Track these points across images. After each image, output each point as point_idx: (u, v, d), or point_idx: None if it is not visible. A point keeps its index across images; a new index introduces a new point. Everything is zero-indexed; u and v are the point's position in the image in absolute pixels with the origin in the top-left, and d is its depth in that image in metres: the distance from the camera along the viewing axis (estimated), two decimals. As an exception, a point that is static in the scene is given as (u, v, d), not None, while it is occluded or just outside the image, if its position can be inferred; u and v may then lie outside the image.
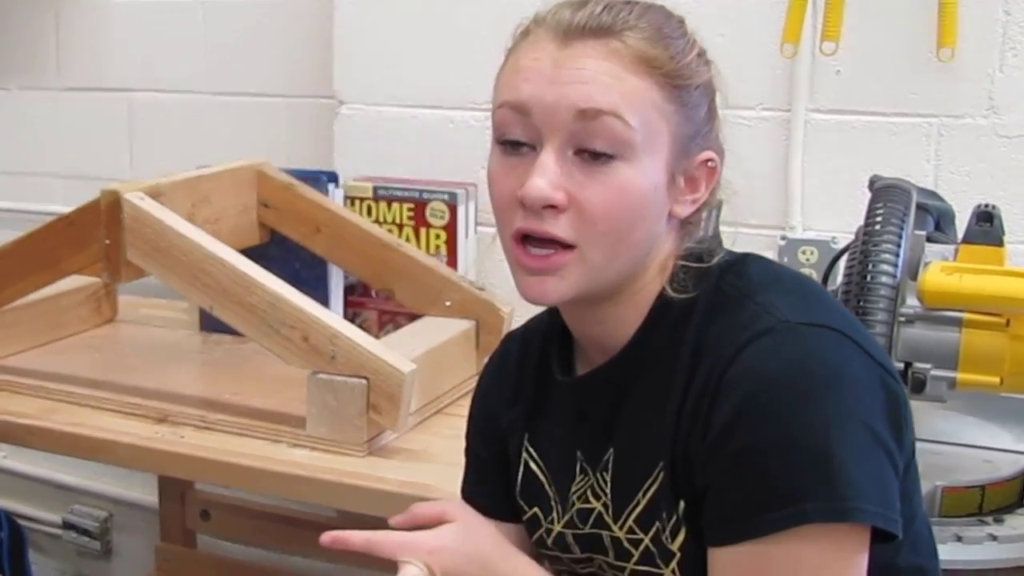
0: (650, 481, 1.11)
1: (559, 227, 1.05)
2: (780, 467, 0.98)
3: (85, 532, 3.00)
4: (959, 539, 1.44)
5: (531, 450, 1.25)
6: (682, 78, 1.07)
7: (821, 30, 2.01)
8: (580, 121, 1.04)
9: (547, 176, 1.04)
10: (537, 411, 1.24)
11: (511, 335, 1.34)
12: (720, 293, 1.10)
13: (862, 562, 1.01)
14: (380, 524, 2.16)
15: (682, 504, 1.08)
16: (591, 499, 1.17)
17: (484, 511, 1.31)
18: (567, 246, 1.06)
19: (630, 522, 1.13)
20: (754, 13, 2.11)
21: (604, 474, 1.16)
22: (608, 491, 1.16)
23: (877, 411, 1.01)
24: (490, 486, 1.32)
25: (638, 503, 1.12)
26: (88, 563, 3.04)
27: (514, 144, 1.08)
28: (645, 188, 1.06)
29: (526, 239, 1.07)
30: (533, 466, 1.24)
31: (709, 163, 1.12)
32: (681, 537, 1.09)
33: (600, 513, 1.16)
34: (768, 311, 1.05)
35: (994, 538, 1.45)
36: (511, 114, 1.07)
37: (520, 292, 1.10)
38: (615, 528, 1.15)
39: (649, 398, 1.11)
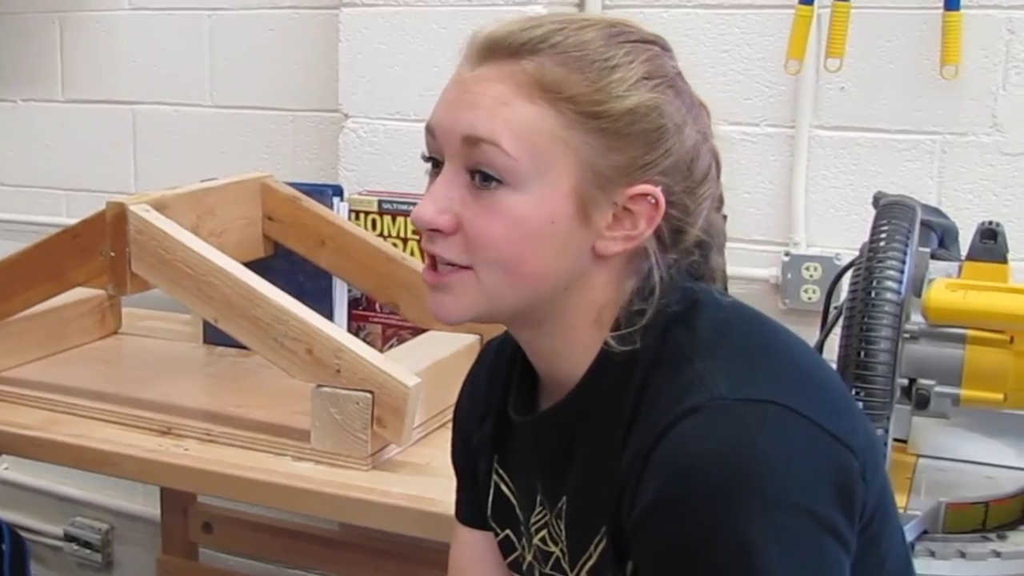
0: (599, 537, 1.08)
1: (446, 250, 1.04)
2: (700, 559, 0.94)
3: (87, 544, 3.00)
4: (963, 555, 1.44)
5: (501, 472, 1.23)
6: (594, 104, 1.02)
7: (825, 47, 2.02)
8: (466, 146, 1.03)
9: (434, 200, 1.04)
10: (504, 434, 1.22)
11: (489, 345, 1.32)
12: (664, 348, 1.04)
13: None
14: (384, 537, 2.17)
15: (630, 566, 1.04)
16: (550, 543, 1.16)
17: (469, 523, 1.32)
18: (463, 266, 1.05)
19: (583, 573, 1.11)
20: (758, 30, 2.12)
21: (559, 521, 1.14)
22: (563, 539, 1.14)
23: (820, 489, 0.95)
24: (475, 501, 1.31)
25: (590, 556, 1.10)
26: (89, 575, 3.04)
27: (433, 165, 1.08)
28: (535, 218, 1.02)
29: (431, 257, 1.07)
30: (504, 488, 1.23)
31: (649, 198, 1.04)
32: None
33: (558, 558, 1.15)
34: (704, 383, 0.98)
35: (997, 554, 1.45)
36: (426, 136, 1.07)
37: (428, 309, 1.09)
38: (571, 575, 1.14)
39: (595, 452, 1.08)
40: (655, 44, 1.07)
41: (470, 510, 1.32)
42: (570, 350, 1.09)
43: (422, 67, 2.28)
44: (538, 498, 1.17)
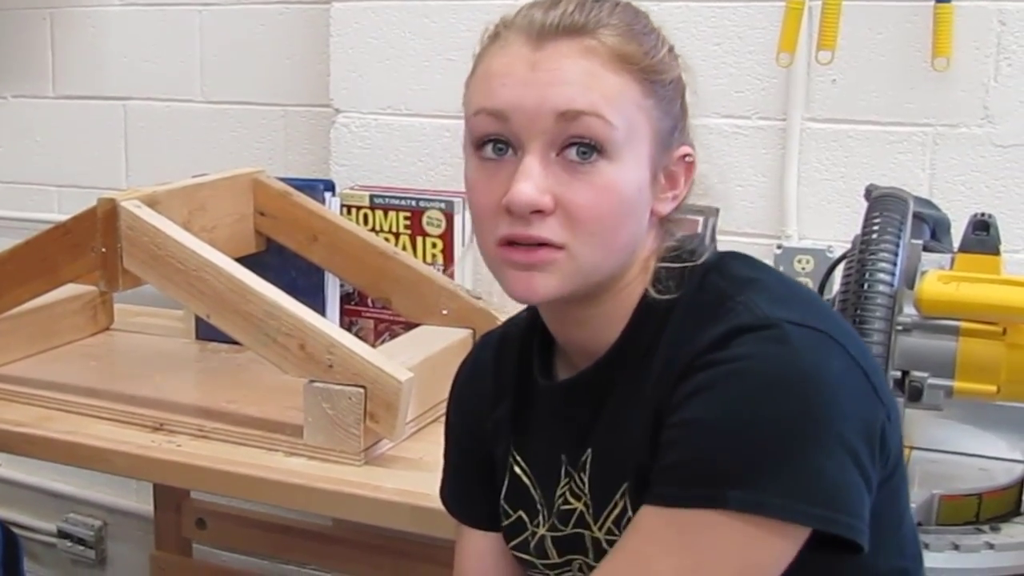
0: (625, 484, 1.10)
1: (547, 230, 1.04)
2: (720, 447, 0.97)
3: (80, 541, 3.00)
4: (956, 547, 1.44)
5: (517, 456, 1.24)
6: (657, 73, 1.07)
7: (817, 39, 2.02)
8: (561, 123, 1.03)
9: (533, 180, 1.03)
10: (520, 416, 1.23)
11: (486, 339, 1.33)
12: (702, 293, 1.09)
13: (777, 562, 0.99)
14: (377, 532, 2.17)
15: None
16: (571, 500, 1.17)
17: (461, 518, 1.33)
18: (557, 246, 1.05)
19: (608, 523, 1.12)
20: (750, 22, 2.12)
21: (582, 474, 1.15)
22: (587, 491, 1.15)
23: (850, 416, 0.99)
24: (467, 494, 1.32)
25: (616, 504, 1.11)
26: (83, 572, 3.04)
27: (494, 150, 1.06)
28: (630, 186, 1.05)
29: (512, 243, 1.06)
30: (519, 471, 1.24)
31: (687, 158, 1.12)
32: None
33: (581, 513, 1.16)
34: (750, 308, 1.03)
35: (991, 546, 1.45)
36: (489, 120, 1.06)
37: (507, 290, 1.08)
38: (595, 528, 1.14)
39: (627, 399, 1.10)
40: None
41: (468, 506, 1.32)
42: (615, 311, 1.12)
43: (413, 61, 2.28)
44: (562, 470, 1.18)
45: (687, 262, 1.11)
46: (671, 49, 1.11)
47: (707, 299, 1.08)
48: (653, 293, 1.10)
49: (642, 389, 1.08)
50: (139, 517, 2.86)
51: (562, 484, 1.18)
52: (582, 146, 1.03)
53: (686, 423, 1.00)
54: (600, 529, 1.14)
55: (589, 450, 1.14)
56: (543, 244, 1.04)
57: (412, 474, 1.66)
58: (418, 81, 2.28)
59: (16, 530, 2.73)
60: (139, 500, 2.84)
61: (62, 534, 3.02)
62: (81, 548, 3.00)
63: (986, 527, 1.50)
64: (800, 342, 1.00)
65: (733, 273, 1.10)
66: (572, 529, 1.17)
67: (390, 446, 1.72)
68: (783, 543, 0.98)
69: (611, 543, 1.12)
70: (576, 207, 1.04)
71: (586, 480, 1.15)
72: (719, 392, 0.99)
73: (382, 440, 1.70)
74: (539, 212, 1.03)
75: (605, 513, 1.13)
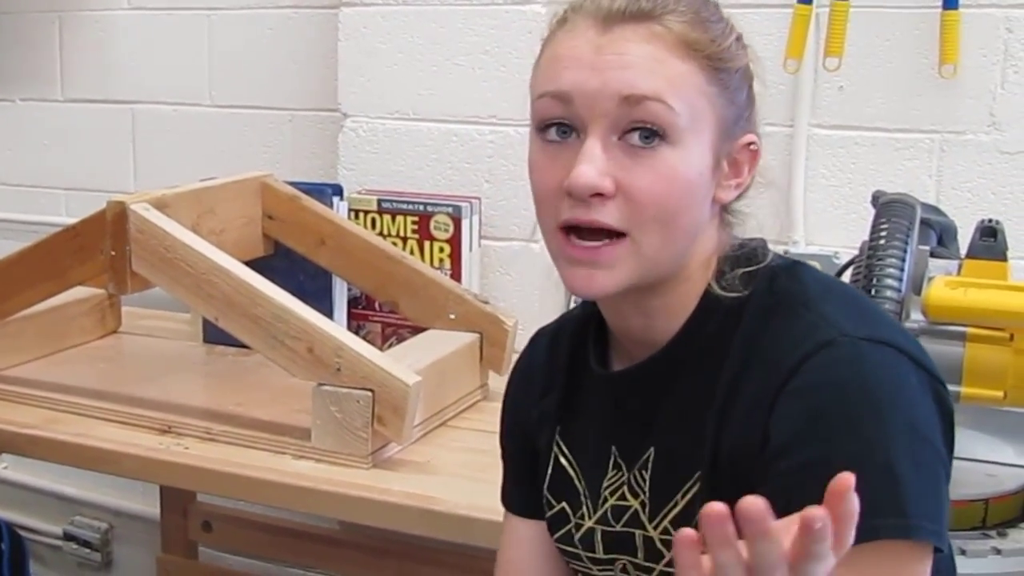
0: (690, 484, 1.10)
1: (607, 214, 1.04)
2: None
3: (86, 543, 2.99)
4: (963, 552, 1.44)
5: (562, 444, 1.24)
6: (723, 61, 1.07)
7: (824, 46, 2.02)
8: (624, 107, 1.03)
9: (594, 163, 1.03)
10: (569, 404, 1.24)
11: (540, 332, 1.33)
12: (773, 297, 1.09)
13: None
14: (383, 536, 2.17)
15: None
16: (628, 497, 1.16)
17: (519, 512, 1.32)
18: (617, 234, 1.05)
19: (665, 523, 1.12)
20: (757, 28, 2.12)
21: (643, 472, 1.15)
22: (647, 490, 1.15)
23: (934, 425, 1.02)
24: (524, 486, 1.31)
25: (676, 504, 1.11)
26: (89, 574, 3.04)
27: (558, 132, 1.07)
28: (691, 172, 1.05)
29: (572, 230, 1.06)
30: (563, 460, 1.24)
31: (751, 146, 1.11)
32: None
33: (636, 512, 1.16)
34: (828, 322, 1.04)
35: (998, 552, 1.45)
36: (553, 103, 1.06)
37: (566, 284, 1.08)
38: (649, 528, 1.14)
39: (692, 398, 1.10)
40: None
41: (520, 498, 1.32)
42: (676, 303, 1.12)
43: (421, 66, 2.28)
44: (611, 461, 1.18)
45: (753, 261, 1.12)
46: (739, 38, 1.11)
47: (779, 305, 1.08)
48: (717, 289, 1.11)
49: (710, 388, 1.08)
50: (145, 520, 2.86)
51: (610, 476, 1.18)
52: (644, 131, 1.03)
53: (809, 465, 0.98)
54: (655, 528, 1.13)
55: (652, 448, 1.14)
56: (602, 232, 1.04)
57: (420, 477, 1.66)
58: (426, 86, 2.28)
59: (22, 532, 2.74)
60: (145, 503, 2.84)
61: (68, 536, 3.02)
62: (87, 551, 3.00)
63: (993, 532, 1.50)
64: (881, 360, 1.02)
65: (804, 280, 1.11)
66: (623, 527, 1.17)
67: (398, 449, 1.72)
68: (923, 563, 0.99)
69: (665, 544, 1.12)
70: (637, 191, 1.04)
71: (647, 478, 1.14)
72: (830, 427, 0.99)
73: (390, 443, 1.70)
74: (599, 196, 1.03)
75: (663, 512, 1.13)
